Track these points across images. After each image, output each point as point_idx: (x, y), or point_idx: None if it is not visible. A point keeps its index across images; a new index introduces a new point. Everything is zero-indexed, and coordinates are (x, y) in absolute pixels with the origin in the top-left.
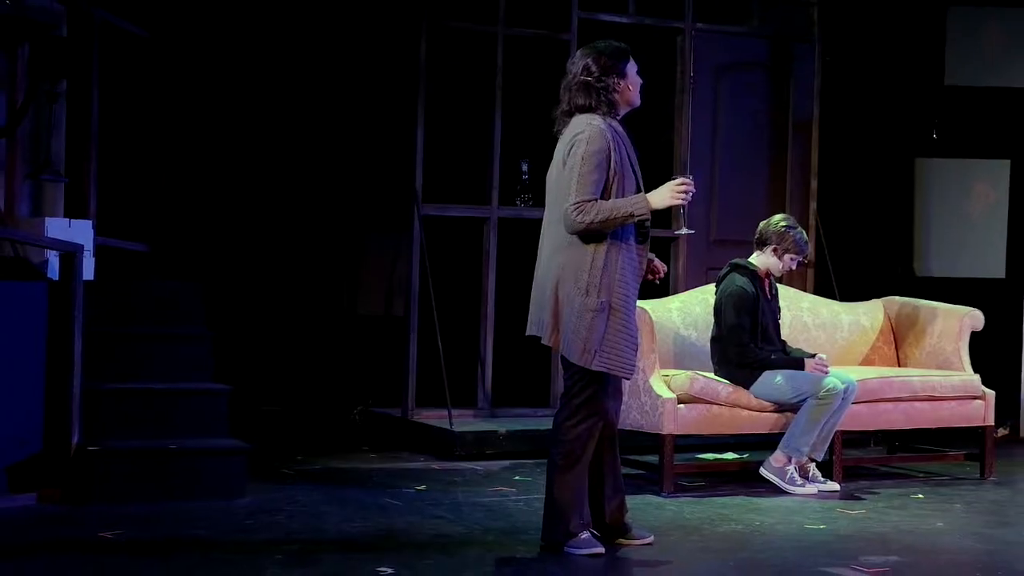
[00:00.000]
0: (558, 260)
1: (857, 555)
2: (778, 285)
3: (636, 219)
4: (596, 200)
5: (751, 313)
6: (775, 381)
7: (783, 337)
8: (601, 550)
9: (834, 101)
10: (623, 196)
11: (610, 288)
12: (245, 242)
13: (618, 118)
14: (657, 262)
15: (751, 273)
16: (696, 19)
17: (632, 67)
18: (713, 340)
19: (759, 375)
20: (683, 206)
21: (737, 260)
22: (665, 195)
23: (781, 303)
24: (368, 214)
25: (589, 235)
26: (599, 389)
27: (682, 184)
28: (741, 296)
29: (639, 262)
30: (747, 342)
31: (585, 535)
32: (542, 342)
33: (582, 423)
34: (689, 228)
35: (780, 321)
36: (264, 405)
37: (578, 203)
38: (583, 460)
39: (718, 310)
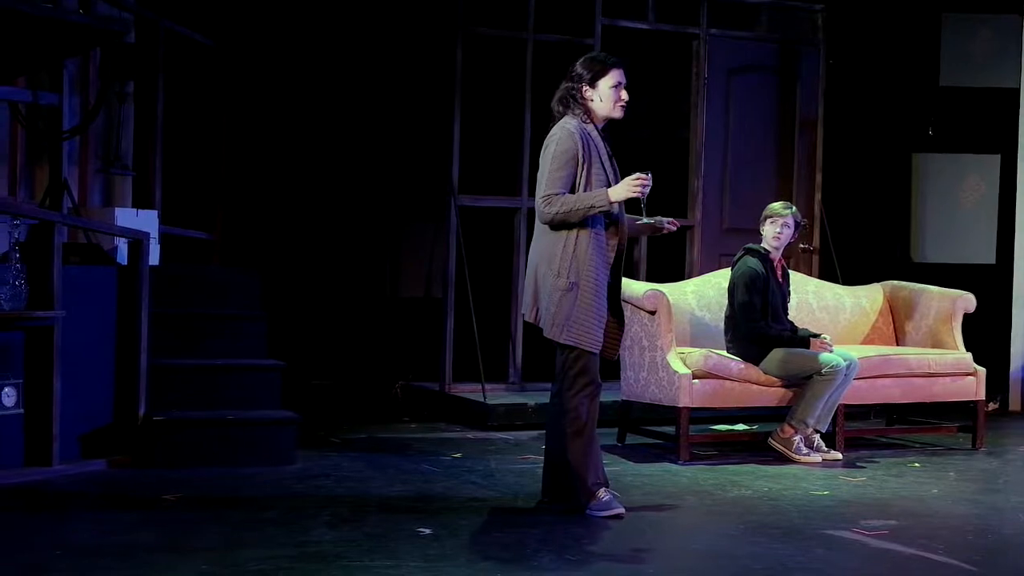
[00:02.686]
0: (538, 247)
1: (858, 519)
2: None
3: (597, 210)
4: (562, 194)
5: (761, 293)
6: (782, 358)
7: (790, 318)
8: (621, 510)
9: (837, 101)
10: (589, 190)
11: (578, 271)
12: (298, 231)
13: (600, 127)
14: (667, 223)
15: (763, 256)
16: (710, 25)
17: (608, 80)
18: (726, 318)
19: (768, 352)
20: (642, 198)
21: (750, 244)
22: (623, 189)
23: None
24: (408, 205)
25: (561, 224)
26: (589, 359)
27: (638, 179)
28: (752, 277)
29: (607, 248)
30: (757, 319)
31: (606, 496)
32: (525, 319)
33: (581, 391)
34: (649, 217)
35: (788, 303)
36: (314, 380)
37: (546, 196)
38: (589, 424)
39: (731, 290)
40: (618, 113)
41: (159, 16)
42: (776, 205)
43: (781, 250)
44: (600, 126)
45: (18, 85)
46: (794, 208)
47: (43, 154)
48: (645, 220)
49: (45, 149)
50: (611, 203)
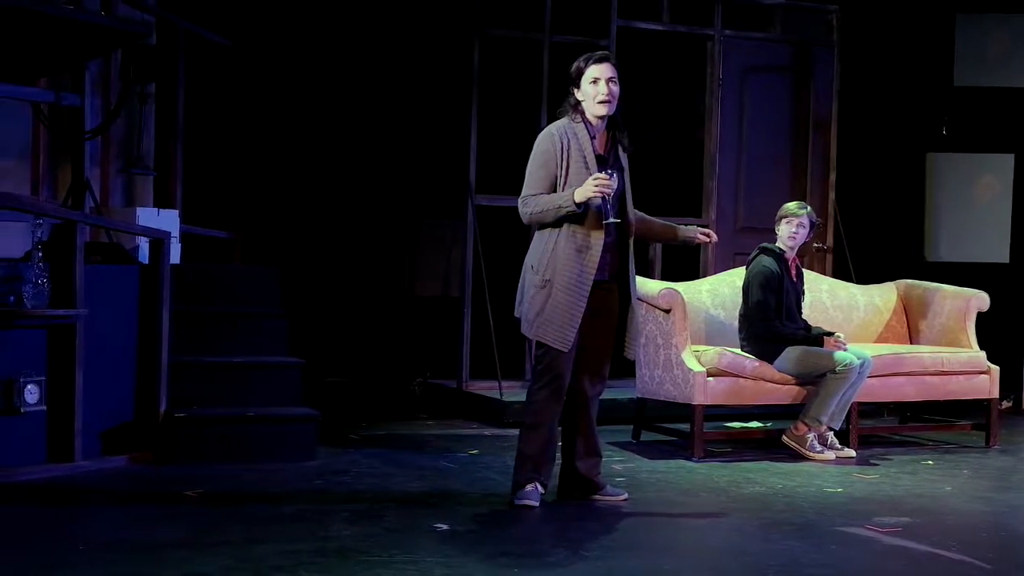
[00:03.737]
0: (531, 246)
1: (871, 516)
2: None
3: (565, 210)
4: (536, 195)
5: (776, 292)
6: (797, 356)
7: (803, 317)
8: (532, 503)
9: (851, 101)
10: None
11: (554, 269)
12: (317, 230)
13: (596, 126)
14: (699, 235)
15: (777, 255)
16: (724, 26)
17: (587, 77)
18: (741, 316)
19: (782, 350)
20: (604, 197)
21: (765, 244)
22: (585, 189)
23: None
24: (426, 205)
25: (539, 224)
26: (557, 357)
27: (597, 179)
28: (767, 275)
29: (589, 247)
30: (772, 318)
31: (530, 488)
32: (514, 315)
33: (544, 388)
34: (615, 218)
35: (803, 302)
36: (333, 377)
37: (523, 197)
38: (548, 421)
39: (746, 288)
40: (599, 109)
41: (179, 18)
42: (791, 205)
43: (796, 249)
44: (597, 125)
45: (41, 86)
46: (809, 208)
47: (65, 154)
48: (612, 219)
49: (67, 149)
50: (576, 203)
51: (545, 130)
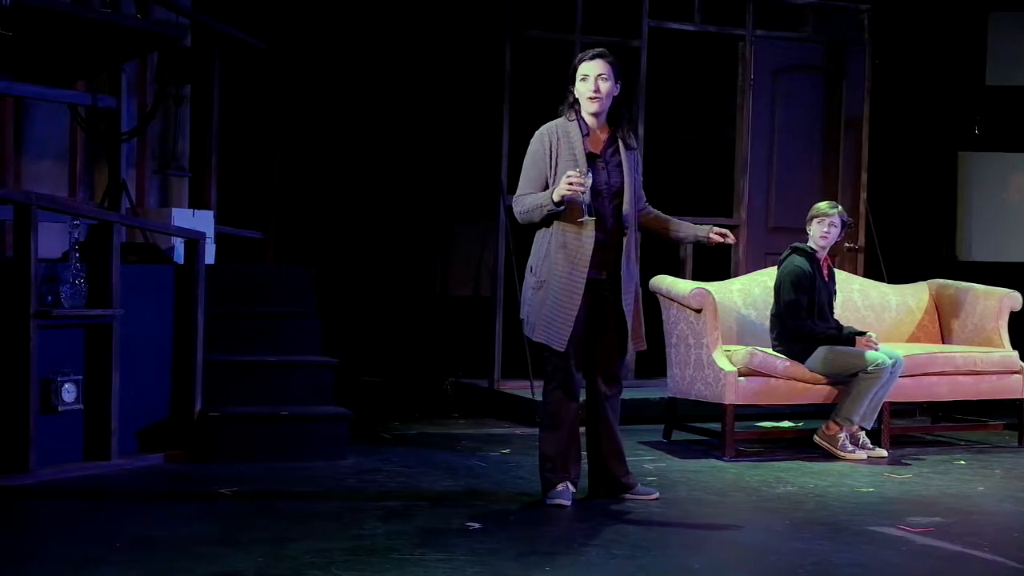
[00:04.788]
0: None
1: (903, 516)
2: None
3: (547, 209)
4: (525, 194)
5: (808, 291)
6: (828, 356)
7: (835, 317)
8: (564, 502)
9: (883, 100)
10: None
11: (549, 269)
12: (350, 230)
13: (589, 123)
14: (712, 234)
15: (809, 255)
16: (756, 26)
17: (578, 76)
18: (772, 316)
19: (814, 350)
20: (578, 196)
21: (797, 243)
22: (560, 188)
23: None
24: (458, 205)
25: (529, 224)
26: (559, 358)
27: (569, 178)
28: (799, 275)
29: (580, 245)
30: (804, 318)
31: (561, 487)
32: (520, 316)
33: (556, 390)
34: (591, 216)
35: (835, 302)
36: (366, 376)
37: (515, 197)
38: (563, 422)
39: (778, 288)
40: (588, 107)
41: (214, 20)
42: (823, 204)
43: (828, 249)
44: (592, 123)
45: (78, 88)
46: (840, 207)
47: (102, 156)
48: (586, 218)
49: (104, 151)
50: (554, 202)
51: (538, 130)
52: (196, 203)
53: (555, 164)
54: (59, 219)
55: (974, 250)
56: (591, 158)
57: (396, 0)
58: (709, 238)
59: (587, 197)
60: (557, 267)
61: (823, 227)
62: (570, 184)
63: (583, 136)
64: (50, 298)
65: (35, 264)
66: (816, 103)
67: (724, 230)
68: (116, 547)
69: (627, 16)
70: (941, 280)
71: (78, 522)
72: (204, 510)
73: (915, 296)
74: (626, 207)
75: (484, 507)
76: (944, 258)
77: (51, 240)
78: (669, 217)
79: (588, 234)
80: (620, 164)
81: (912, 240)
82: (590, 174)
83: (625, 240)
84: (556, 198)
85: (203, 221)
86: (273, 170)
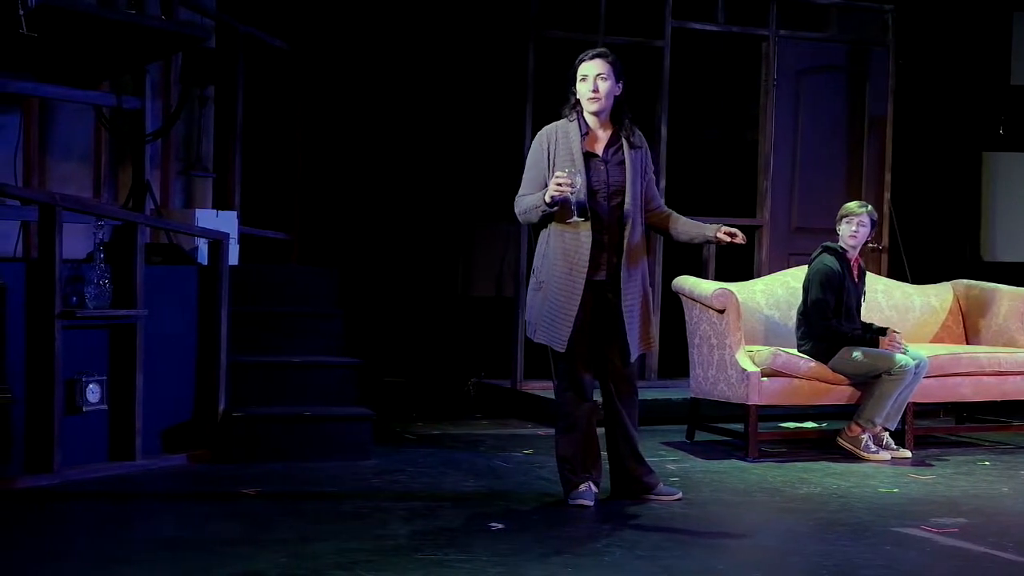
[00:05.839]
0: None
1: (927, 517)
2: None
3: (540, 210)
4: (523, 195)
5: (835, 291)
6: (852, 356)
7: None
8: (586, 503)
9: (907, 100)
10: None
11: (547, 270)
12: (373, 231)
13: (587, 123)
14: (722, 235)
15: (840, 255)
16: (779, 27)
17: (578, 76)
18: (799, 315)
19: (838, 349)
20: (568, 200)
21: (828, 243)
22: (550, 189)
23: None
24: (480, 207)
25: (527, 224)
26: (566, 360)
27: (557, 178)
28: (827, 274)
29: (579, 245)
30: (829, 316)
31: (584, 487)
32: (525, 318)
33: (566, 391)
34: (579, 216)
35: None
36: (389, 377)
37: (516, 198)
38: (576, 423)
39: (806, 286)
40: (588, 106)
41: (238, 22)
42: (852, 204)
43: (858, 249)
44: (593, 123)
45: (102, 90)
46: (870, 207)
47: (126, 157)
48: (575, 218)
49: (128, 152)
50: (547, 203)
51: (540, 131)
52: (220, 204)
53: (552, 165)
54: (84, 220)
55: (998, 250)
56: (589, 157)
57: (419, 1)
58: (717, 238)
59: (578, 197)
60: (556, 268)
61: (852, 226)
62: (558, 184)
63: (582, 136)
64: (75, 299)
65: (60, 265)
66: (840, 103)
67: (733, 229)
68: (140, 547)
69: (650, 16)
70: (965, 280)
71: (103, 522)
72: (228, 510)
73: (939, 296)
74: (627, 206)
75: (507, 508)
76: (968, 258)
77: (76, 241)
78: (679, 216)
79: (585, 234)
80: (622, 163)
81: (936, 240)
82: (579, 174)
83: (626, 240)
84: (547, 199)
85: (227, 222)
86: (296, 171)
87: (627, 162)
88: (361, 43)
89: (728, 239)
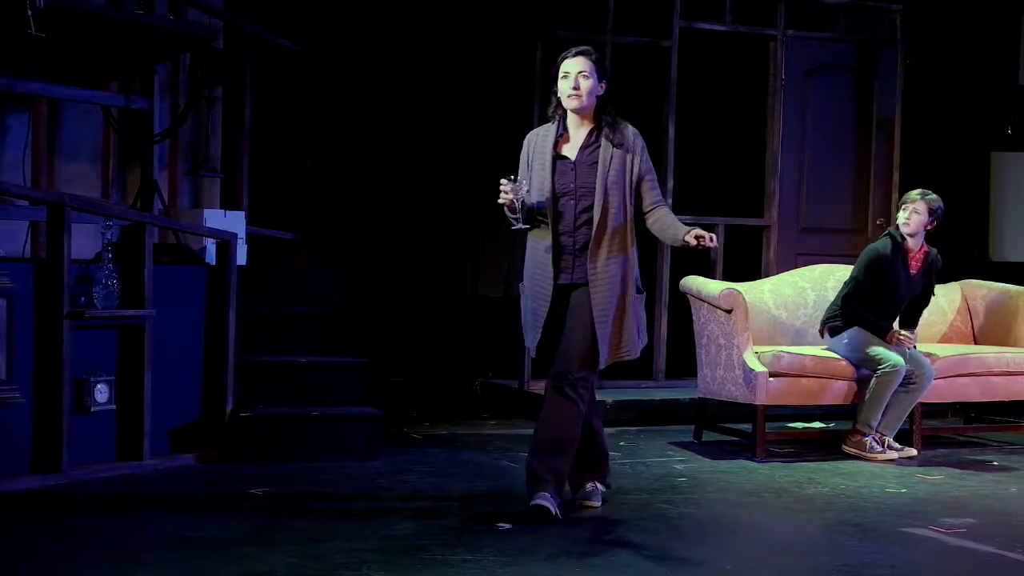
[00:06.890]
0: None
1: (935, 517)
2: None
3: (511, 216)
4: None
5: (875, 276)
6: (851, 337)
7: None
8: (540, 504)
9: (915, 100)
10: (532, 192)
11: (525, 275)
12: (380, 231)
13: (571, 120)
14: (690, 238)
15: (896, 242)
16: (787, 26)
17: (560, 72)
18: (840, 296)
19: (845, 331)
20: (513, 205)
21: (891, 230)
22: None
23: None
24: (488, 206)
25: (515, 230)
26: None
27: (502, 186)
28: (872, 258)
29: (547, 251)
30: (858, 298)
31: (589, 487)
32: None
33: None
34: (525, 224)
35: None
36: (396, 376)
37: None
38: (548, 414)
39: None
40: (568, 104)
41: (247, 22)
42: (912, 192)
43: (918, 237)
44: (575, 122)
45: (111, 90)
46: (931, 195)
47: (134, 157)
48: (520, 226)
49: (136, 152)
50: (505, 208)
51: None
52: (228, 204)
53: (530, 169)
54: (92, 220)
55: (1007, 250)
56: (559, 159)
57: (427, 2)
58: (685, 240)
59: (526, 201)
60: (528, 272)
61: (906, 213)
62: (502, 192)
63: (557, 138)
64: (83, 299)
65: (68, 265)
66: (848, 103)
67: (704, 233)
68: (149, 547)
69: (658, 17)
70: (973, 280)
71: (111, 522)
72: (236, 510)
73: (947, 297)
74: (594, 209)
75: (514, 508)
76: (976, 258)
77: (84, 241)
78: (663, 216)
79: (547, 239)
80: (596, 162)
81: (944, 240)
82: (524, 181)
83: (592, 243)
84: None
85: (235, 222)
86: (304, 171)
87: (600, 163)
88: (369, 43)
89: (696, 243)
